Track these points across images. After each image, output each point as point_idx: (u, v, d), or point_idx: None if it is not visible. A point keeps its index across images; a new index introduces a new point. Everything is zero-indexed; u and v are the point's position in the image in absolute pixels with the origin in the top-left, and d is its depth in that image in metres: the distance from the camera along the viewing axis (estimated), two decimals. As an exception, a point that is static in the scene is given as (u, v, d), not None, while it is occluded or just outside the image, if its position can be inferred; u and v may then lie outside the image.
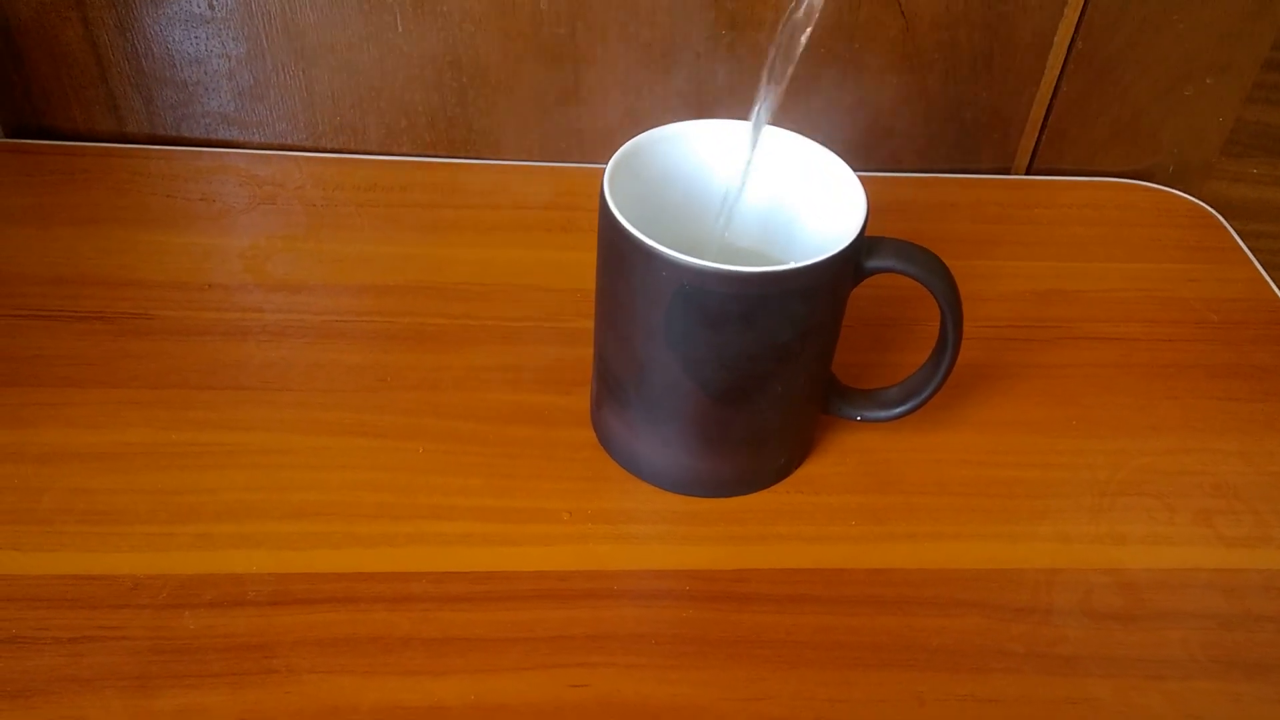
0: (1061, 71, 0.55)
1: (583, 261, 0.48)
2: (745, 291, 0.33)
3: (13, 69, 0.52)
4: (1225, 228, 0.55)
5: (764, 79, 0.35)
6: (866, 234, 0.35)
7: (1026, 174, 0.58)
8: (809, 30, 0.34)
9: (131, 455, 0.39)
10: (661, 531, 0.38)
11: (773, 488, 0.40)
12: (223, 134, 0.55)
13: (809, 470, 0.41)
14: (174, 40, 0.51)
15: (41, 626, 0.34)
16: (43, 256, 0.47)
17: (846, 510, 0.40)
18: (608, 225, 0.35)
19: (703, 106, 0.54)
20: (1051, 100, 0.56)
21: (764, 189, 0.40)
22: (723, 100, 0.54)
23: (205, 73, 0.53)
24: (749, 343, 0.35)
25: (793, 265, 0.33)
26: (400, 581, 0.36)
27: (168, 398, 0.41)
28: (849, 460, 0.41)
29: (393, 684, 0.33)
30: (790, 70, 0.35)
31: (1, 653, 0.33)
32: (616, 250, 0.35)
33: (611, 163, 0.36)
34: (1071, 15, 0.52)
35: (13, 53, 0.52)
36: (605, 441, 0.41)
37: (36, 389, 0.41)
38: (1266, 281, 0.52)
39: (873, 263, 0.36)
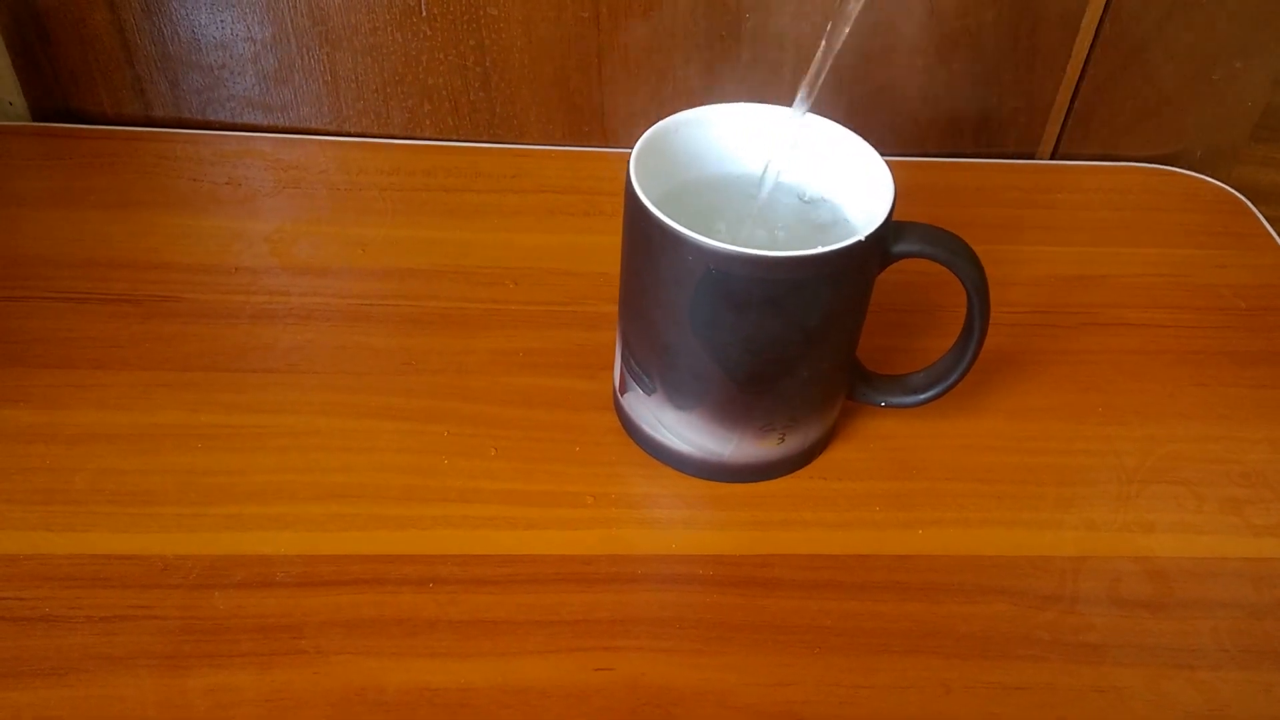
0: (1088, 55, 0.54)
1: (605, 245, 0.48)
2: (773, 275, 0.33)
3: (41, 52, 0.52)
4: (1253, 213, 0.55)
5: (818, 63, 0.35)
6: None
7: (1052, 158, 0.58)
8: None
9: (161, 437, 0.39)
10: (685, 516, 0.38)
11: (796, 473, 0.40)
12: (248, 118, 0.55)
13: (833, 456, 0.41)
14: (199, 24, 0.51)
15: (74, 605, 0.34)
16: (71, 239, 0.47)
17: (871, 496, 0.39)
18: (634, 210, 0.35)
19: (726, 90, 0.54)
20: (1078, 84, 0.55)
21: (791, 173, 0.40)
22: (746, 84, 0.54)
23: (230, 56, 0.53)
24: (775, 327, 0.35)
25: (821, 249, 0.33)
26: (426, 564, 0.36)
27: (196, 380, 0.41)
28: (872, 446, 0.41)
29: (420, 665, 0.33)
30: (833, 54, 0.35)
31: (36, 631, 0.33)
32: (642, 234, 0.35)
33: (637, 147, 0.36)
34: (1099, -2, 0.52)
35: (41, 36, 0.52)
36: (628, 426, 0.41)
37: (67, 370, 0.41)
38: (1296, 268, 0.51)
39: (900, 247, 0.36)
